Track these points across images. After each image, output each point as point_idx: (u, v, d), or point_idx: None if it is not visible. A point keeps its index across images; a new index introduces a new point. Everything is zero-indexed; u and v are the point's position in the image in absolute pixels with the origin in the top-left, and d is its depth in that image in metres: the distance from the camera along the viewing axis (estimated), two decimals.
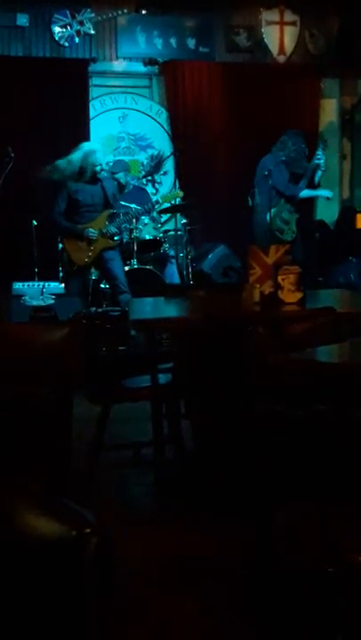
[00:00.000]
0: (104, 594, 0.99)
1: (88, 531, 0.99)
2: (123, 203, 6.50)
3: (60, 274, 6.82)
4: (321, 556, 1.82)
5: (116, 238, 6.31)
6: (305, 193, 6.29)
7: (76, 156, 6.20)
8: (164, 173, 8.07)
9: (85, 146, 6.32)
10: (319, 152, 6.34)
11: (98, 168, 6.10)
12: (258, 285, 3.45)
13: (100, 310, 5.81)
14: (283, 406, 2.10)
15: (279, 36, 8.30)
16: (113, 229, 6.10)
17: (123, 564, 2.65)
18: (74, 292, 6.18)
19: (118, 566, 2.59)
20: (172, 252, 7.16)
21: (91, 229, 6.02)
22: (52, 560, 0.98)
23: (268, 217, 6.18)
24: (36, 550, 0.99)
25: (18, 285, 6.68)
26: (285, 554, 2.02)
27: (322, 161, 6.31)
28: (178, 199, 7.06)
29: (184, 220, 7.22)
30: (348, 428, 2.03)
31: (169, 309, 4.06)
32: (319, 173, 6.39)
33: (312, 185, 6.51)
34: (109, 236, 6.11)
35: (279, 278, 3.38)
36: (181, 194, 7.11)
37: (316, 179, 6.44)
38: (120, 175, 7.38)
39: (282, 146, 6.35)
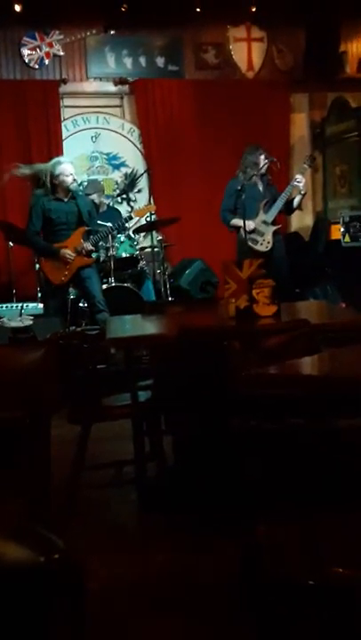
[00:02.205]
0: (75, 617, 1.00)
1: (56, 556, 1.00)
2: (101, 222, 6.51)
3: (39, 294, 6.82)
4: (303, 569, 1.83)
5: (94, 255, 6.31)
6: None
7: (43, 165, 6.19)
8: (139, 191, 8.11)
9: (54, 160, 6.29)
10: (298, 176, 6.28)
11: (70, 183, 6.02)
12: (233, 300, 3.48)
13: (78, 329, 5.82)
14: (260, 420, 2.12)
15: (247, 52, 8.40)
16: (89, 247, 6.09)
17: (107, 582, 2.66)
18: (53, 312, 6.15)
19: (103, 585, 2.58)
20: (146, 269, 7.20)
21: (68, 251, 5.98)
22: (21, 585, 0.99)
23: (241, 231, 6.19)
24: (5, 576, 0.99)
25: None
26: (268, 567, 2.03)
27: (301, 184, 6.24)
28: (152, 214, 7.10)
29: (160, 237, 7.26)
30: (326, 439, 2.05)
31: (146, 326, 4.08)
32: (298, 197, 6.30)
33: (289, 209, 6.46)
34: (85, 254, 6.08)
35: (254, 292, 3.41)
36: (154, 207, 7.14)
37: (295, 203, 6.35)
38: (94, 196, 7.41)
39: (247, 164, 6.31)
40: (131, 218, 6.75)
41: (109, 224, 6.41)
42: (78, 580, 1.00)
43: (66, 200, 6.03)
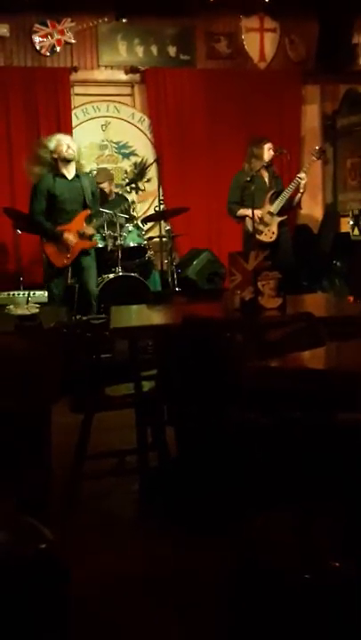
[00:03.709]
0: (60, 607, 0.99)
1: (43, 546, 1.00)
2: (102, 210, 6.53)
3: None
4: (299, 563, 1.83)
5: (99, 240, 6.36)
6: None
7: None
8: (148, 180, 8.08)
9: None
10: (301, 174, 6.27)
11: (66, 150, 6.04)
12: (238, 291, 3.46)
13: (83, 318, 5.83)
14: (260, 412, 2.11)
15: (259, 42, 8.34)
16: (91, 230, 6.15)
17: (104, 573, 2.66)
18: (56, 295, 6.19)
19: (100, 576, 2.58)
20: (153, 260, 7.21)
21: (70, 236, 6.04)
22: (8, 575, 0.98)
23: (247, 221, 6.19)
24: None
25: (3, 295, 6.67)
26: (264, 561, 2.02)
27: (302, 182, 6.24)
28: (160, 202, 7.11)
29: (168, 227, 7.24)
30: (326, 433, 2.04)
31: (151, 316, 4.07)
32: (298, 195, 6.30)
33: (290, 206, 6.45)
34: (87, 237, 6.15)
35: (259, 284, 3.40)
36: (135, 197, 7.19)
37: (295, 201, 6.34)
38: (105, 184, 7.40)
39: (252, 155, 6.30)
40: (129, 207, 6.84)
41: (111, 212, 6.45)
42: (64, 572, 0.99)
43: (70, 178, 6.07)
